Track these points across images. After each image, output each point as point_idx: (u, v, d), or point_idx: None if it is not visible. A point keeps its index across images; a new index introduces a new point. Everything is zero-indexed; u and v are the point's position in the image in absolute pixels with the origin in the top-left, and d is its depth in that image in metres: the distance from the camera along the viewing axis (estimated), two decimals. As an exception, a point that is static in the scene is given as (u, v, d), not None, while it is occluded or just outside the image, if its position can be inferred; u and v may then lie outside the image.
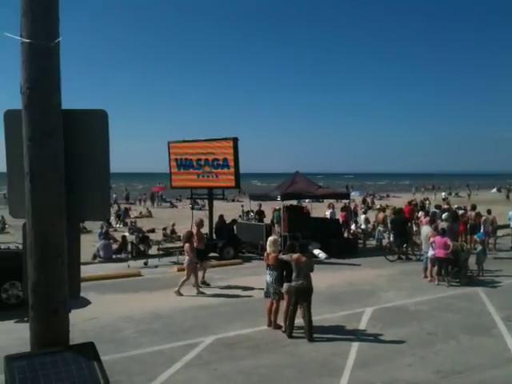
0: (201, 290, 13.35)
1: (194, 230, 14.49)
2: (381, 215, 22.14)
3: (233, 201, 47.98)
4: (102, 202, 3.34)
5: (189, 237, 13.59)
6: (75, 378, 2.95)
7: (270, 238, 10.49)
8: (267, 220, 24.16)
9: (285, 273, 9.86)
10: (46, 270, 3.10)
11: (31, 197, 3.08)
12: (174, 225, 24.74)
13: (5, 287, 11.60)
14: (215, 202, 20.30)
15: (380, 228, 21.54)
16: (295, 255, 9.67)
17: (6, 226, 28.49)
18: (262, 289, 10.56)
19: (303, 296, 9.52)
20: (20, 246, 12.72)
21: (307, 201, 29.13)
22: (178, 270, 16.58)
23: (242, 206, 32.68)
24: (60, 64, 3.15)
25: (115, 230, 26.46)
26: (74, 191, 3.25)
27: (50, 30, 3.07)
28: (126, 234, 23.49)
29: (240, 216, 29.18)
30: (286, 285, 9.73)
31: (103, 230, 19.65)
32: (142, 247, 19.12)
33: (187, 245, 13.39)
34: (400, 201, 43.76)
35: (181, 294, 12.90)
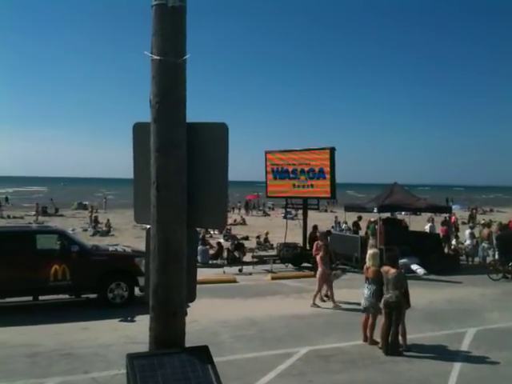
0: (317, 303, 13.04)
1: (320, 242, 14.50)
2: (486, 231, 21.01)
3: (325, 211, 47.61)
4: (220, 211, 3.47)
5: (320, 248, 13.68)
6: (191, 380, 3.07)
7: (370, 251, 10.29)
8: (362, 232, 23.73)
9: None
10: (166, 273, 3.26)
11: (156, 204, 3.27)
12: (267, 233, 25.05)
13: (111, 287, 12.32)
14: (308, 212, 20.29)
15: (484, 245, 20.40)
16: (385, 267, 9.45)
17: (111, 228, 30.31)
18: (357, 302, 10.37)
19: (391, 310, 9.24)
20: (126, 249, 13.52)
21: (403, 213, 28.26)
22: (272, 279, 16.74)
23: (336, 216, 32.36)
24: (186, 79, 3.32)
25: (211, 237, 27.26)
26: (194, 200, 3.41)
27: (178, 48, 3.26)
28: (221, 240, 24.13)
29: (332, 227, 28.92)
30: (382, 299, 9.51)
31: (200, 236, 20.31)
32: (237, 254, 19.53)
33: (319, 256, 13.43)
34: (505, 216, 41.17)
35: (317, 306, 12.86)
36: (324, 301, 13.33)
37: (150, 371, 3.05)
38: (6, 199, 55.23)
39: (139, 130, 3.57)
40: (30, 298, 12.14)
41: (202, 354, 3.28)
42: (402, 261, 15.70)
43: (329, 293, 13.22)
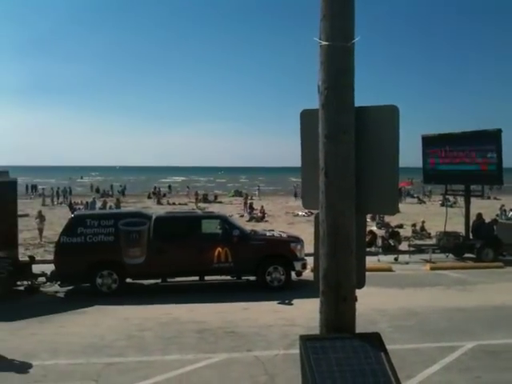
0: None
1: None
2: None
3: (488, 198, 44.05)
4: (391, 196, 3.38)
5: None
6: (364, 366, 3.05)
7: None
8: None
9: None
10: (336, 259, 3.28)
11: (325, 190, 3.29)
12: (423, 222, 23.95)
13: (269, 271, 12.79)
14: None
15: None
16: None
17: (265, 215, 31.39)
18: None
19: None
20: (283, 235, 13.90)
21: None
22: (431, 269, 15.98)
23: (503, 205, 29.72)
24: (354, 64, 3.28)
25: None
26: (363, 185, 3.36)
27: (347, 32, 3.22)
28: (374, 228, 23.63)
29: (497, 215, 26.67)
30: None
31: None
32: (392, 242, 18.98)
33: None
34: None
35: None
36: None
37: (323, 354, 3.10)
38: (169, 187, 60.23)
39: (306, 117, 3.62)
40: (197, 278, 13.10)
41: (375, 341, 3.25)
42: None
43: None
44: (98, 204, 34.76)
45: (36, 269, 13.30)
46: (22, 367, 7.83)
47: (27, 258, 13.83)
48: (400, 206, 40.27)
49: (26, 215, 28.47)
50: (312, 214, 30.64)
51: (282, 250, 13.10)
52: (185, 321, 10.27)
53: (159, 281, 13.07)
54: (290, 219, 30.38)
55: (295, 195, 47.88)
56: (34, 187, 54.96)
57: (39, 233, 22.06)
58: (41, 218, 22.59)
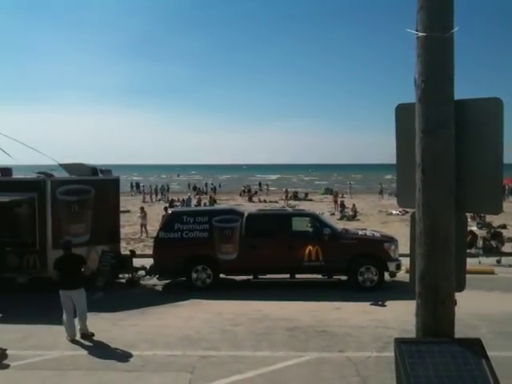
0: None
1: None
2: None
3: None
4: (494, 194, 3.18)
5: None
6: (463, 372, 2.90)
7: None
8: None
9: None
10: (434, 259, 3.14)
11: (422, 187, 3.16)
12: (530, 221, 22.34)
13: (361, 271, 12.53)
14: None
15: None
16: None
17: (357, 213, 30.83)
18: None
19: None
20: (375, 234, 13.57)
21: None
22: (540, 273, 14.89)
23: None
24: (454, 54, 3.11)
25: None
26: (463, 182, 3.19)
27: (445, 22, 3.07)
28: (474, 228, 22.40)
29: None
30: None
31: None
32: (494, 243, 17.88)
33: None
34: None
35: None
36: None
37: (419, 358, 2.99)
38: (259, 184, 60.99)
39: (402, 112, 3.49)
40: (287, 276, 13.13)
41: (475, 346, 3.08)
42: None
43: None
44: (194, 201, 35.99)
45: (136, 262, 14.00)
46: (123, 356, 8.29)
47: (128, 252, 14.59)
48: (503, 204, 38.04)
49: (128, 211, 30.14)
50: (407, 212, 29.62)
51: (375, 250, 12.79)
52: (275, 318, 10.34)
53: (251, 277, 13.25)
54: (383, 218, 29.60)
55: (381, 193, 47.38)
56: (138, 185, 57.79)
57: (142, 228, 23.24)
58: (143, 213, 23.89)
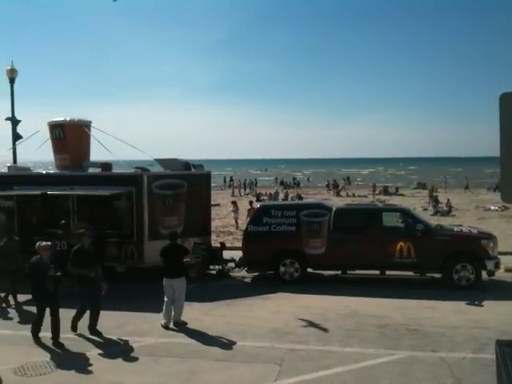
0: None
1: None
2: None
3: None
4: None
5: None
6: None
7: None
8: None
9: None
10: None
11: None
12: None
13: (456, 268, 11.98)
14: None
15: None
16: None
17: (452, 208, 29.48)
18: None
19: None
20: (472, 230, 12.92)
21: None
22: None
23: None
24: None
25: None
26: None
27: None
28: None
29: None
30: None
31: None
32: None
33: None
34: None
35: None
36: None
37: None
38: (347, 178, 59.87)
39: (507, 101, 3.27)
40: (377, 272, 12.84)
41: None
42: None
43: None
44: (281, 195, 36.20)
45: (226, 255, 14.34)
46: (214, 346, 8.55)
47: (218, 245, 14.97)
48: None
49: (218, 205, 30.91)
50: (506, 208, 27.94)
51: (472, 247, 12.16)
52: (365, 314, 10.16)
53: (339, 272, 13.12)
54: (481, 214, 28.06)
55: (466, 188, 45.72)
56: (231, 179, 58.83)
57: (235, 221, 23.86)
58: (235, 207, 24.45)
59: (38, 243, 8.76)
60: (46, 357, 8.10)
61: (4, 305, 11.02)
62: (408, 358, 7.82)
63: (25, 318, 10.07)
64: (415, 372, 7.33)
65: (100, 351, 8.38)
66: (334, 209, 13.14)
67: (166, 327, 9.46)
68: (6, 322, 10.17)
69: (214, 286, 13.04)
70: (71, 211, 13.36)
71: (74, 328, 9.15)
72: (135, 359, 8.02)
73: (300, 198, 34.63)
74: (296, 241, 12.84)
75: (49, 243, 8.96)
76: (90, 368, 7.71)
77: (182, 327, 9.47)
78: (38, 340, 8.71)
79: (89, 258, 9.08)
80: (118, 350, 8.45)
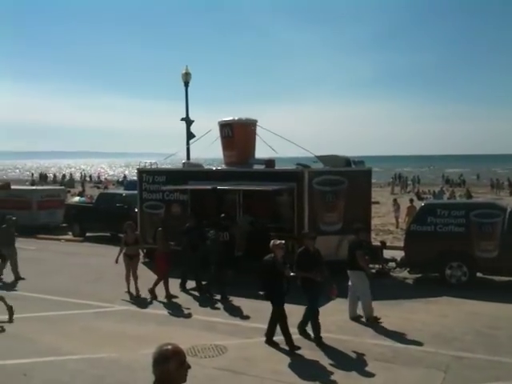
0: None
1: None
2: None
3: None
4: None
5: None
6: None
7: None
8: None
9: None
10: None
11: None
12: None
13: None
14: None
15: None
16: None
17: None
18: None
19: None
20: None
21: None
22: None
23: None
24: None
25: None
26: None
27: None
28: None
29: None
30: None
31: None
32: None
33: None
34: None
35: None
36: None
37: None
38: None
39: None
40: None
41: None
42: None
43: None
44: (446, 194, 34.25)
45: (386, 254, 13.98)
46: (374, 345, 8.44)
47: (379, 243, 14.64)
48: None
49: (377, 202, 30.17)
50: None
51: None
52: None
53: (512, 278, 12.01)
54: None
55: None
56: (400, 176, 57.09)
57: (395, 220, 23.26)
58: (396, 206, 23.85)
59: (272, 241, 8.38)
60: (213, 340, 8.67)
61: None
62: None
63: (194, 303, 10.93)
64: None
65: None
66: (508, 209, 12.08)
67: (353, 319, 9.79)
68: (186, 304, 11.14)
69: (375, 285, 12.78)
70: (237, 205, 14.16)
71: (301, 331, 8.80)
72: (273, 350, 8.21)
73: (470, 196, 32.43)
74: (464, 242, 12.04)
75: (283, 241, 8.52)
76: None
77: (359, 322, 9.72)
78: (273, 344, 8.40)
79: (314, 260, 8.65)
80: (252, 342, 8.55)
